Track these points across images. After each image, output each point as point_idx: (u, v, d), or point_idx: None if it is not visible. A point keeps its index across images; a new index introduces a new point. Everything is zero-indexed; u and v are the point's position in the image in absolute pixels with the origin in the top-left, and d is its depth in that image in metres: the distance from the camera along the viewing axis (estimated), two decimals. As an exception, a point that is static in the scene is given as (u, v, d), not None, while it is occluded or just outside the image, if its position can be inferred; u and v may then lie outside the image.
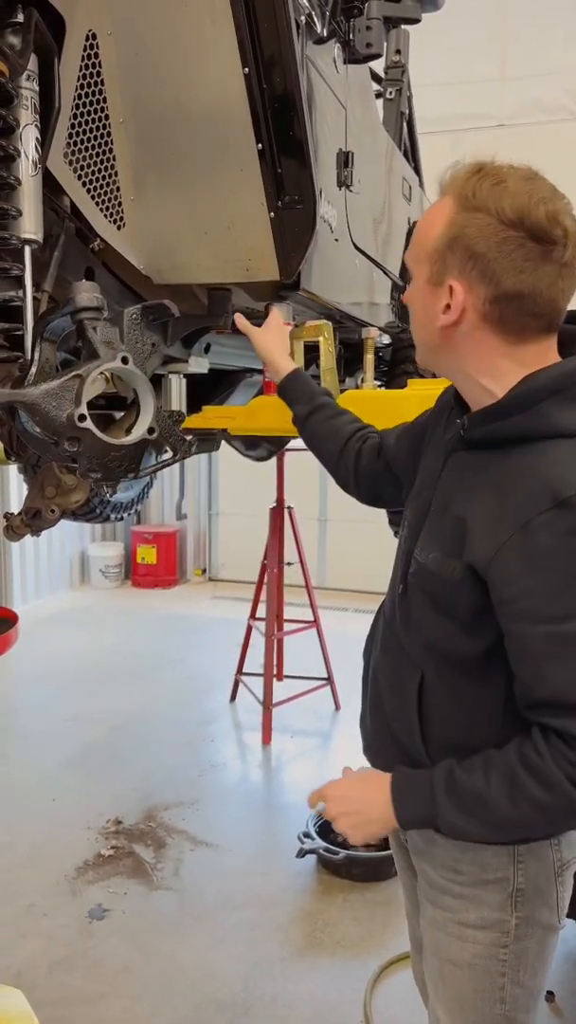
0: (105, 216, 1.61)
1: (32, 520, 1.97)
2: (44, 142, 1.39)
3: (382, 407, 1.92)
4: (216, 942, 2.70)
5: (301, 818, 3.29)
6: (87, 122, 1.53)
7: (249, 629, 4.78)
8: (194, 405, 2.36)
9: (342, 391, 2.21)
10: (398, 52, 3.44)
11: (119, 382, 1.58)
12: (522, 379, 1.11)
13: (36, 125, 1.36)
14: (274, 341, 1.75)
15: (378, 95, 3.40)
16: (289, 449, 4.15)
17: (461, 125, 6.36)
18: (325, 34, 1.89)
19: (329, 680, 4.71)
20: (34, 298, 1.44)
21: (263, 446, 3.64)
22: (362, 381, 2.60)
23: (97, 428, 1.42)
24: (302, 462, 4.91)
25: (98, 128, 1.56)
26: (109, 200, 1.61)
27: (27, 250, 1.39)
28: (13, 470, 5.33)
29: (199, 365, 2.13)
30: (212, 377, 2.69)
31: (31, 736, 4.37)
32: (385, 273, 2.63)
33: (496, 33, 6.39)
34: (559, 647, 1.03)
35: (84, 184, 1.54)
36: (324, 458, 1.66)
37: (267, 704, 4.33)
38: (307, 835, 3.13)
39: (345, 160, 2.03)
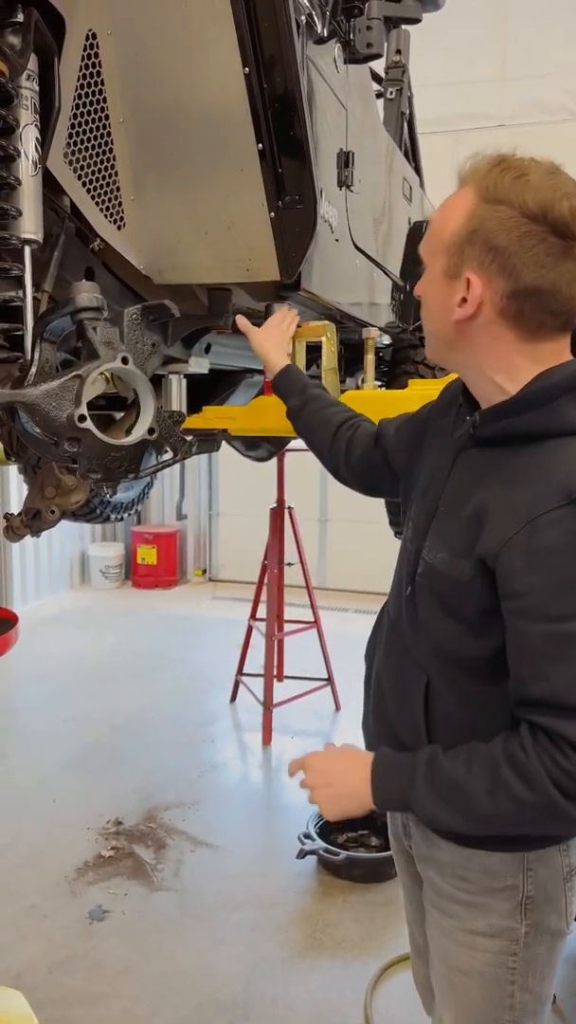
0: (105, 216, 1.61)
1: (32, 521, 1.96)
2: (44, 142, 1.39)
3: (383, 407, 1.91)
4: (216, 943, 2.70)
5: (301, 819, 3.29)
6: (87, 122, 1.52)
7: (249, 629, 4.78)
8: (194, 405, 2.36)
9: (342, 391, 2.20)
10: (398, 52, 3.43)
11: (119, 382, 1.57)
12: (537, 376, 1.10)
13: (36, 125, 1.35)
14: (271, 339, 1.76)
15: (378, 95, 3.40)
16: (289, 449, 4.15)
17: (461, 125, 6.35)
18: (325, 34, 1.88)
19: (330, 681, 4.71)
20: (34, 298, 1.43)
21: (263, 446, 3.64)
22: (362, 381, 2.59)
23: (97, 428, 1.42)
24: (302, 462, 4.91)
25: (98, 128, 1.55)
26: (109, 200, 1.61)
27: (27, 250, 1.39)
28: (13, 471, 5.33)
29: (199, 365, 2.13)
30: (212, 377, 2.68)
31: (31, 736, 4.37)
32: (385, 273, 2.63)
33: (496, 33, 6.39)
34: (557, 647, 1.02)
35: (84, 184, 1.54)
36: (316, 447, 1.66)
37: (267, 705, 4.33)
38: (307, 836, 3.13)
39: (346, 160, 2.02)
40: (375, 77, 3.27)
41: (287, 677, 4.66)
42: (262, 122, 1.56)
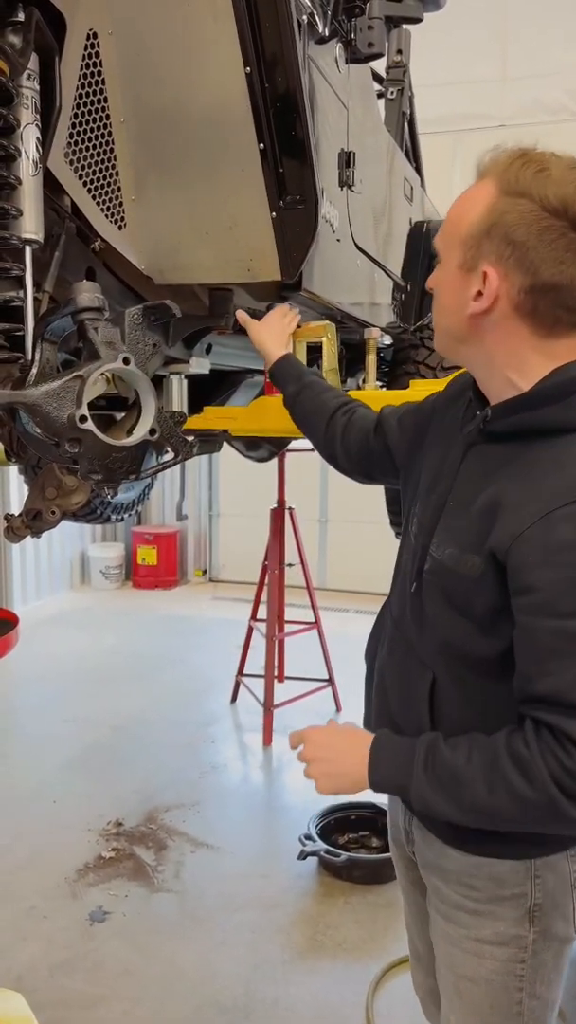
0: (106, 216, 1.60)
1: (33, 521, 1.96)
2: (45, 142, 1.38)
3: (384, 408, 1.91)
4: (217, 944, 2.69)
5: (302, 820, 3.28)
6: (88, 122, 1.52)
7: (250, 630, 4.77)
8: (195, 406, 2.35)
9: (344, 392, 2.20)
10: (399, 52, 3.43)
11: (120, 383, 1.57)
12: (554, 371, 1.09)
13: (37, 124, 1.35)
14: (271, 332, 1.75)
15: (379, 95, 3.39)
16: (290, 450, 4.14)
17: (462, 125, 6.36)
18: (327, 33, 1.88)
19: (330, 681, 4.70)
20: (35, 298, 1.43)
21: (264, 447, 3.64)
22: (363, 382, 2.59)
23: (98, 429, 1.41)
24: (303, 463, 4.92)
25: (99, 128, 1.55)
26: (110, 200, 1.60)
27: (28, 250, 1.38)
28: (13, 471, 5.32)
29: (200, 366, 2.12)
30: (213, 378, 2.68)
31: (31, 737, 4.37)
32: (387, 273, 2.62)
33: (496, 33, 6.39)
34: (566, 643, 1.01)
35: (85, 184, 1.53)
36: (311, 433, 1.65)
37: (268, 705, 4.33)
38: (308, 837, 3.12)
39: (347, 160, 2.02)
40: (376, 77, 3.27)
41: (288, 678, 4.66)
42: (263, 122, 1.56)
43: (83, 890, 2.97)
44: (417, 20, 3.05)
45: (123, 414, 1.64)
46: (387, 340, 3.10)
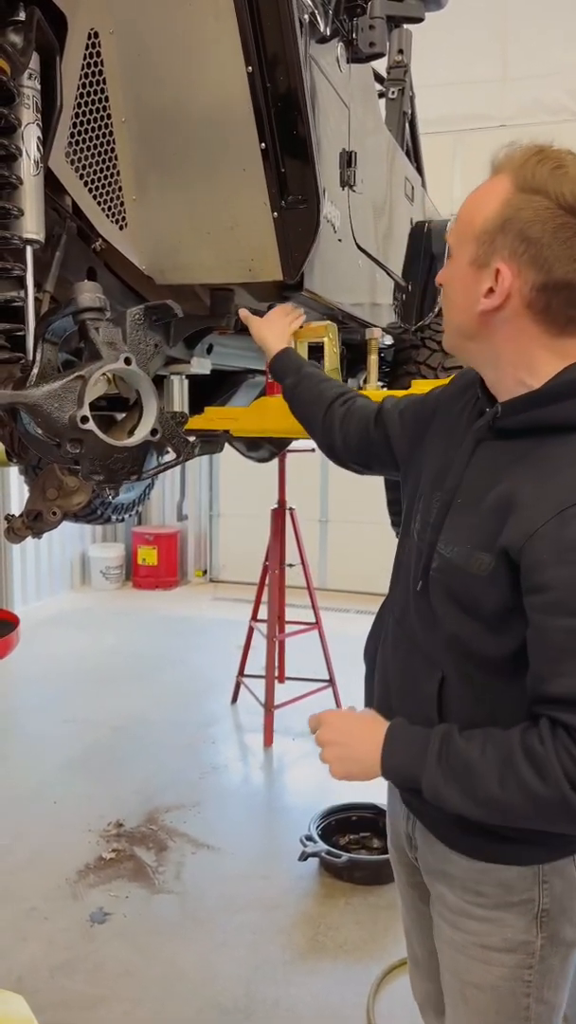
0: (107, 216, 1.60)
1: (33, 522, 1.96)
2: (46, 141, 1.38)
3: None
4: (218, 946, 2.69)
5: (303, 821, 3.28)
6: (89, 121, 1.51)
7: (250, 630, 4.77)
8: (196, 406, 2.35)
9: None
10: (400, 52, 3.42)
11: (121, 383, 1.56)
12: (564, 368, 1.08)
13: (38, 124, 1.34)
14: (273, 329, 1.75)
15: (380, 95, 3.39)
16: (291, 450, 4.15)
17: (462, 125, 6.36)
18: (328, 33, 1.87)
19: (331, 682, 4.70)
20: (36, 298, 1.42)
21: (265, 447, 3.64)
22: (365, 382, 2.59)
23: (99, 430, 1.41)
24: (304, 463, 4.92)
25: (100, 127, 1.54)
26: (111, 200, 1.60)
27: (29, 250, 1.38)
28: (14, 472, 5.32)
29: (201, 366, 2.12)
30: (214, 378, 2.68)
31: (31, 738, 4.36)
32: (388, 273, 2.62)
33: (496, 33, 6.39)
34: None
35: (86, 184, 1.53)
36: (308, 423, 1.64)
37: (269, 706, 4.32)
38: (309, 838, 3.12)
39: (348, 160, 2.01)
40: (377, 77, 3.26)
41: (288, 678, 4.66)
42: (265, 121, 1.55)
43: (84, 891, 2.97)
44: (418, 20, 3.04)
45: (124, 415, 1.64)
46: (388, 340, 3.10)
